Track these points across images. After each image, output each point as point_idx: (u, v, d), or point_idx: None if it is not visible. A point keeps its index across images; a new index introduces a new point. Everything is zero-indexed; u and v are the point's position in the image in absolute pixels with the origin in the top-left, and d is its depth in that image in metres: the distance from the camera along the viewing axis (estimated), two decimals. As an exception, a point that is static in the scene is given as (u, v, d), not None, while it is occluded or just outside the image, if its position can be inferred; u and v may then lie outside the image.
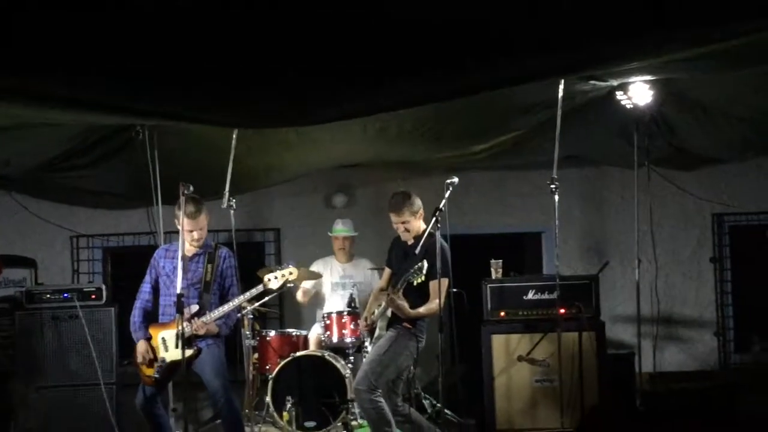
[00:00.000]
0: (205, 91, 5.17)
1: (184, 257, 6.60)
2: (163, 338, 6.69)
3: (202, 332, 6.59)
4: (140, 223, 9.37)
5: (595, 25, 4.25)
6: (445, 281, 6.68)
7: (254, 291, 6.87)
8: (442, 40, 4.36)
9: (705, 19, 4.25)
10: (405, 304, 6.65)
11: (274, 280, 6.88)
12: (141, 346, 6.74)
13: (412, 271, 6.53)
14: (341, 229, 8.98)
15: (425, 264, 6.47)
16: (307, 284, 8.78)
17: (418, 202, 6.90)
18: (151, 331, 6.76)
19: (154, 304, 6.91)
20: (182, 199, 6.49)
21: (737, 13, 4.17)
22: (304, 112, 5.61)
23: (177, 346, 6.39)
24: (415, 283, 6.56)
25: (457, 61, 4.74)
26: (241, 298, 6.79)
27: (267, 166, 8.69)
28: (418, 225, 6.92)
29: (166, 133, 7.32)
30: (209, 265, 6.74)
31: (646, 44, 4.79)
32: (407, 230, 6.92)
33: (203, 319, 6.59)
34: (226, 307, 6.68)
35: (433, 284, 6.60)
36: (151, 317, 6.87)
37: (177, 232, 6.72)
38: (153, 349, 6.72)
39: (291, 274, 6.93)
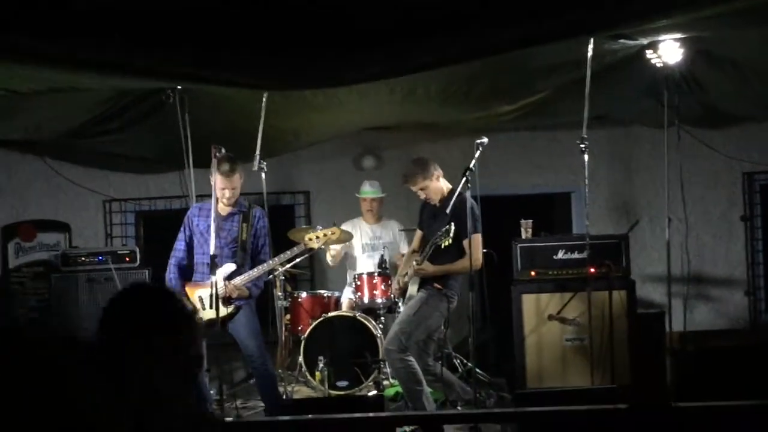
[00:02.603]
0: (234, 54, 5.20)
1: (217, 216, 6.66)
2: (200, 297, 6.76)
3: (235, 295, 6.66)
4: (171, 186, 9.47)
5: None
6: (477, 236, 6.74)
7: (296, 250, 6.96)
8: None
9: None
10: (428, 265, 6.71)
11: (315, 239, 6.96)
12: None
13: (439, 234, 6.58)
14: (369, 190, 9.01)
15: (452, 227, 6.52)
16: (336, 246, 8.84)
17: (430, 165, 6.96)
18: (187, 290, 6.83)
19: (188, 261, 6.98)
20: (215, 159, 6.56)
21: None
22: (331, 73, 5.63)
23: (212, 306, 6.48)
24: (443, 246, 6.61)
25: (484, 20, 4.74)
26: (281, 257, 6.87)
27: (296, 128, 8.72)
28: (439, 186, 6.97)
29: (197, 96, 7.35)
30: (245, 224, 6.81)
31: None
32: (428, 195, 6.98)
33: (236, 281, 6.65)
34: (258, 270, 6.75)
35: (466, 242, 6.65)
36: (186, 275, 6.95)
37: (209, 195, 6.78)
38: (191, 302, 6.76)
39: (333, 233, 7.02)
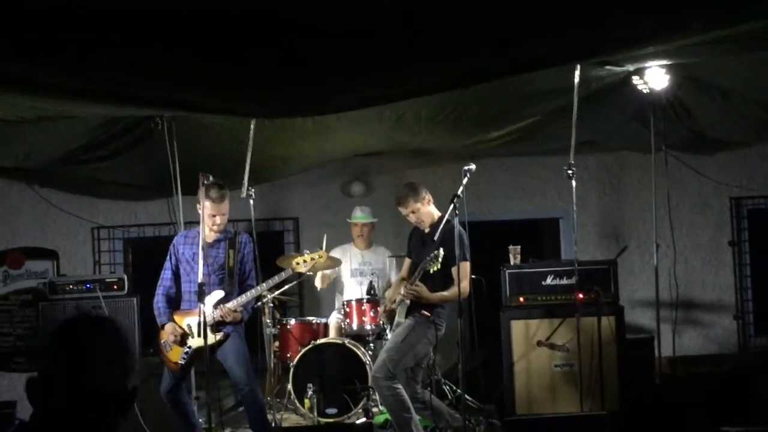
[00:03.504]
0: (221, 82, 5.21)
1: (204, 244, 6.65)
2: (188, 325, 6.74)
3: (229, 319, 6.65)
4: (160, 213, 9.44)
5: (608, 8, 4.27)
6: (465, 264, 6.75)
7: (283, 275, 6.96)
8: (458, 27, 4.39)
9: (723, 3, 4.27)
10: (423, 289, 6.72)
11: (303, 263, 6.97)
12: (169, 327, 6.77)
13: (428, 259, 6.59)
14: (360, 216, 9.01)
15: (441, 252, 6.53)
16: (325, 271, 8.83)
17: (422, 189, 7.00)
18: (176, 318, 6.82)
19: (176, 290, 6.97)
20: (203, 187, 6.57)
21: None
22: (323, 100, 5.65)
23: (200, 334, 6.45)
24: (431, 271, 6.62)
25: (473, 47, 4.76)
26: (269, 282, 6.87)
27: (284, 155, 8.73)
28: (429, 211, 7.00)
29: (185, 124, 7.36)
30: (231, 251, 6.80)
31: (662, 28, 4.81)
32: (418, 219, 7.01)
33: (229, 305, 6.65)
34: (247, 295, 6.74)
35: (454, 270, 6.66)
36: (174, 303, 6.94)
37: (197, 222, 6.78)
38: (182, 328, 6.77)
39: (320, 257, 7.03)
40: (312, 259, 7.01)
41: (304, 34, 4.35)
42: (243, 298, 6.73)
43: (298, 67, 4.89)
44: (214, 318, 6.62)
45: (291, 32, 4.31)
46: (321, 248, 7.38)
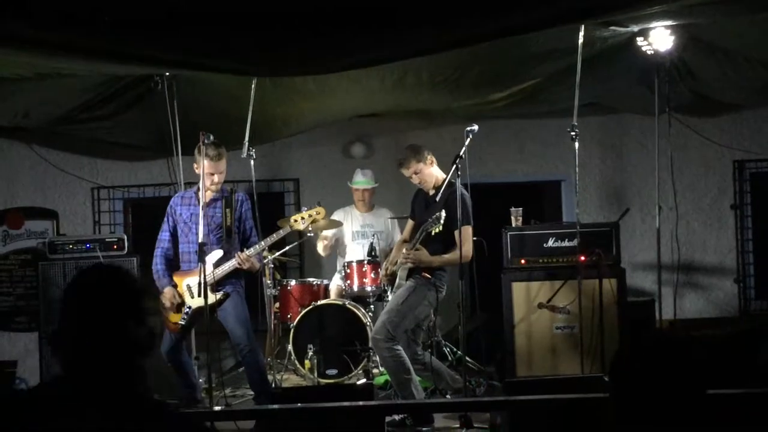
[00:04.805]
0: (223, 40, 5.16)
1: (202, 204, 6.63)
2: (188, 285, 6.75)
3: (247, 266, 6.66)
4: (160, 173, 9.42)
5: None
6: (467, 228, 6.72)
7: (281, 232, 6.93)
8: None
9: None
10: (423, 252, 6.70)
11: (300, 220, 6.94)
12: (168, 293, 6.78)
13: (429, 221, 6.57)
14: (362, 180, 8.96)
15: (443, 213, 6.50)
16: (327, 233, 8.81)
17: (424, 150, 6.96)
18: (175, 278, 6.84)
19: (174, 251, 6.96)
20: (203, 145, 6.54)
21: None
22: (323, 58, 5.60)
23: (200, 294, 6.45)
24: (433, 233, 6.59)
25: (476, 6, 4.71)
26: (273, 236, 6.85)
27: (285, 115, 8.68)
28: (432, 172, 6.96)
29: (185, 83, 7.32)
30: (227, 210, 6.78)
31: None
32: (421, 180, 6.96)
33: (248, 251, 6.66)
34: (256, 248, 6.75)
35: (456, 233, 6.63)
36: (173, 264, 6.93)
37: (197, 182, 6.75)
38: (180, 295, 6.78)
39: (318, 213, 7.00)
40: (310, 215, 6.97)
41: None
42: (258, 246, 6.76)
43: (299, 25, 4.84)
44: (214, 277, 6.61)
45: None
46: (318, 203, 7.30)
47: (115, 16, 4.54)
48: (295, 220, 6.97)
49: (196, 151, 6.69)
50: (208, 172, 6.67)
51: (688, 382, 2.45)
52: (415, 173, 6.94)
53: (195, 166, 6.75)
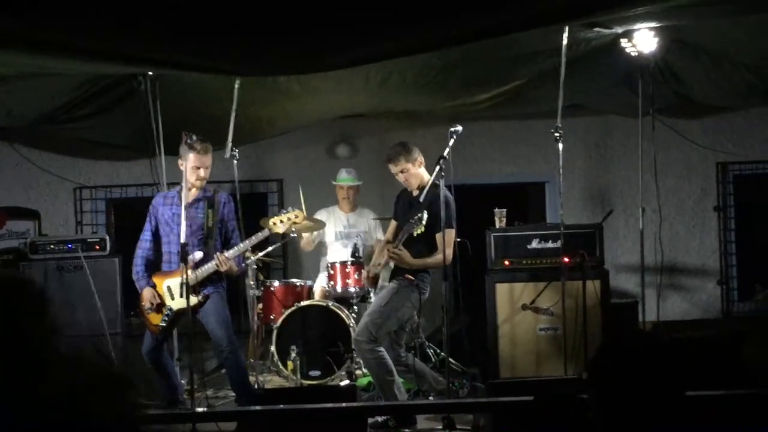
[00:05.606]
0: (206, 39, 5.14)
1: (182, 204, 6.60)
2: (168, 287, 6.71)
3: (224, 268, 6.62)
4: (143, 173, 9.37)
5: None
6: (450, 232, 6.70)
7: (260, 235, 6.87)
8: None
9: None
10: (406, 254, 6.67)
11: (279, 224, 6.89)
12: (147, 293, 6.75)
13: (412, 221, 6.54)
14: (346, 178, 8.95)
15: (425, 214, 6.47)
16: (308, 234, 8.78)
17: (414, 150, 6.92)
18: (155, 279, 6.79)
19: (155, 252, 6.91)
20: (185, 145, 6.51)
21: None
22: (314, 57, 5.58)
23: (182, 295, 6.41)
24: (415, 234, 6.56)
25: (460, 7, 4.70)
26: (252, 239, 6.81)
27: (269, 116, 8.65)
28: (418, 173, 6.93)
29: (168, 83, 7.28)
30: (210, 211, 6.74)
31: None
32: (407, 179, 6.94)
33: (227, 253, 6.61)
34: (236, 249, 6.69)
35: (439, 236, 6.61)
36: (154, 265, 6.89)
37: (180, 183, 6.71)
38: (159, 296, 6.75)
39: (297, 216, 6.94)
40: (288, 219, 6.90)
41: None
42: (236, 249, 6.70)
43: (282, 24, 4.82)
44: (196, 278, 6.58)
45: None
46: (299, 208, 7.24)
47: (98, 14, 4.52)
48: (274, 223, 6.91)
49: (181, 146, 6.64)
50: (195, 166, 6.63)
51: (664, 382, 2.43)
52: (402, 172, 6.92)
53: (180, 162, 6.70)
